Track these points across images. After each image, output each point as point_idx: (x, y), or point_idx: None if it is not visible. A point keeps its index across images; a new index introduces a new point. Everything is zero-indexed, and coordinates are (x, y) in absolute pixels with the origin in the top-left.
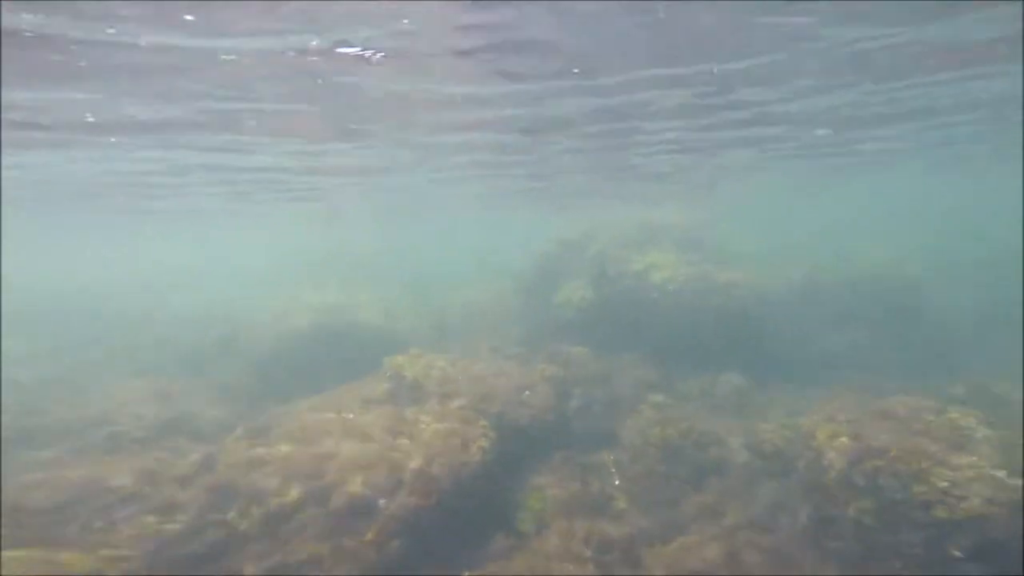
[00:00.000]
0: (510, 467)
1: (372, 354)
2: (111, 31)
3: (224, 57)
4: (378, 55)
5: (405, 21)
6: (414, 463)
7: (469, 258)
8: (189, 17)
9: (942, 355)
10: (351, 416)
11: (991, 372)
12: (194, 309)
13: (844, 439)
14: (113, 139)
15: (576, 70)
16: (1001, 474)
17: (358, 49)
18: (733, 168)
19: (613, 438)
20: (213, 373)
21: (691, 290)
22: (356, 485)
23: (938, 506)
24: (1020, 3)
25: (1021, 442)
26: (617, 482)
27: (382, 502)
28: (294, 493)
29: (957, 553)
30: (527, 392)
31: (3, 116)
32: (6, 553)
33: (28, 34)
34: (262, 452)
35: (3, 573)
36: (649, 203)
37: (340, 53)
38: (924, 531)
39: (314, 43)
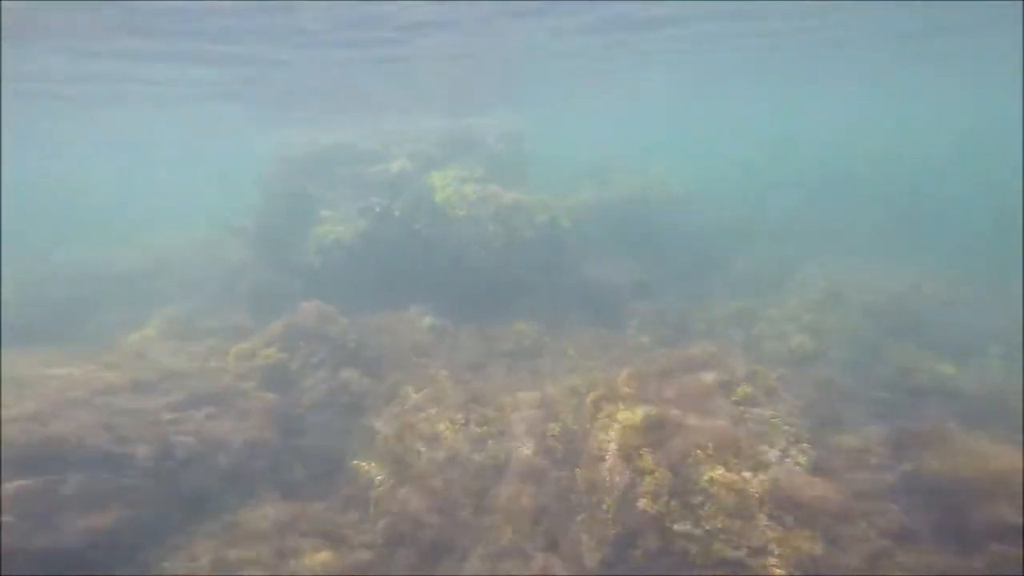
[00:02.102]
0: None
1: None
2: None
3: None
4: None
5: None
6: None
7: (185, 198)
8: None
9: (710, 273)
10: None
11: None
12: None
13: (618, 428)
14: None
15: None
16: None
17: None
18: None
19: (367, 450)
20: None
21: (474, 217)
22: None
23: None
24: None
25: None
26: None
27: None
28: None
29: None
30: (207, 411)
31: None
32: None
33: None
34: None
35: None
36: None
37: None
38: None
39: None
